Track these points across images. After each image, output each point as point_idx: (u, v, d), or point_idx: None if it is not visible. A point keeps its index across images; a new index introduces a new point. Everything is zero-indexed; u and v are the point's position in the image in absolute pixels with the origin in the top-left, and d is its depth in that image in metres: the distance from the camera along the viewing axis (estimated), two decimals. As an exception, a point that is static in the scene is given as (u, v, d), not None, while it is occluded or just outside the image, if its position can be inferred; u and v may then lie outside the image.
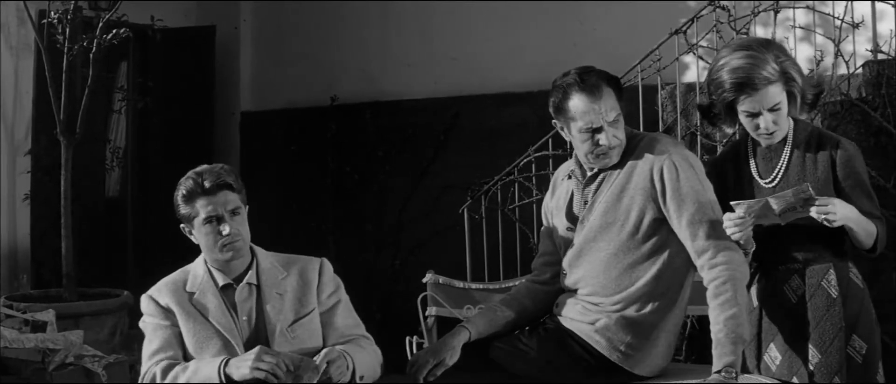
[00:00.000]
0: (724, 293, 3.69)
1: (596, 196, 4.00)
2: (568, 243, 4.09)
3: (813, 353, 3.60)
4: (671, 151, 3.90)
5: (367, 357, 3.87)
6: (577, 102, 3.88)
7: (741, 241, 3.67)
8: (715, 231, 3.76)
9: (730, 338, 3.61)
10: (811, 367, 3.59)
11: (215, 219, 3.80)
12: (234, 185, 3.85)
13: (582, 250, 4.02)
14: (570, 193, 4.12)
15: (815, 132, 3.79)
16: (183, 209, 3.84)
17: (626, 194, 3.92)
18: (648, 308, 3.90)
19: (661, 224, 3.89)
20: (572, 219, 4.08)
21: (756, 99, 3.63)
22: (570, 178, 4.14)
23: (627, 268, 3.92)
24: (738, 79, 3.61)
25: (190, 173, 3.86)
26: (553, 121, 4.03)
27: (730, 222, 3.63)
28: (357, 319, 4.01)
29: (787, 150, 3.73)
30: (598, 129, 3.87)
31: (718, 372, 3.56)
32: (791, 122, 3.76)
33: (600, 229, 3.96)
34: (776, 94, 3.63)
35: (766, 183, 3.74)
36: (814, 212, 3.50)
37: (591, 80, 3.88)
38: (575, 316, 4.00)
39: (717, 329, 3.66)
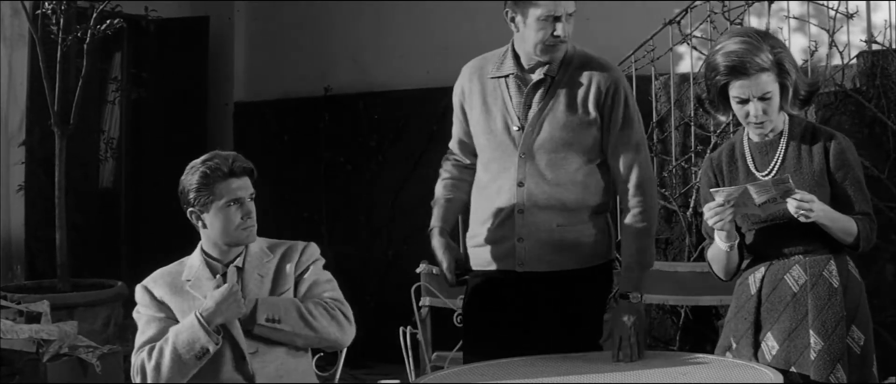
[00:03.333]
0: (640, 223, 4.13)
1: (545, 103, 4.14)
2: (505, 146, 4.20)
3: (816, 340, 3.61)
4: (620, 80, 4.17)
5: (296, 311, 3.80)
6: None
7: (724, 231, 3.70)
8: (640, 164, 4.15)
9: (639, 265, 4.13)
10: (813, 354, 3.61)
11: (237, 203, 3.82)
12: (254, 173, 3.91)
13: (536, 159, 4.16)
14: (502, 95, 4.22)
15: (810, 126, 3.81)
16: (198, 193, 3.81)
17: (586, 111, 4.12)
18: (600, 210, 4.23)
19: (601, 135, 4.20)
20: (510, 121, 4.18)
21: (747, 84, 3.65)
22: (501, 78, 4.23)
23: (584, 181, 4.18)
24: (731, 62, 3.65)
25: (208, 157, 3.86)
26: (505, 10, 4.14)
27: (710, 211, 3.65)
28: (332, 288, 3.97)
29: (782, 144, 3.75)
30: (558, 18, 4.04)
31: (625, 297, 4.07)
32: (786, 116, 3.77)
33: (561, 140, 4.13)
34: (767, 82, 3.65)
35: (762, 176, 3.75)
36: (792, 205, 3.52)
37: None
38: (550, 266, 4.19)
39: (628, 255, 4.14)
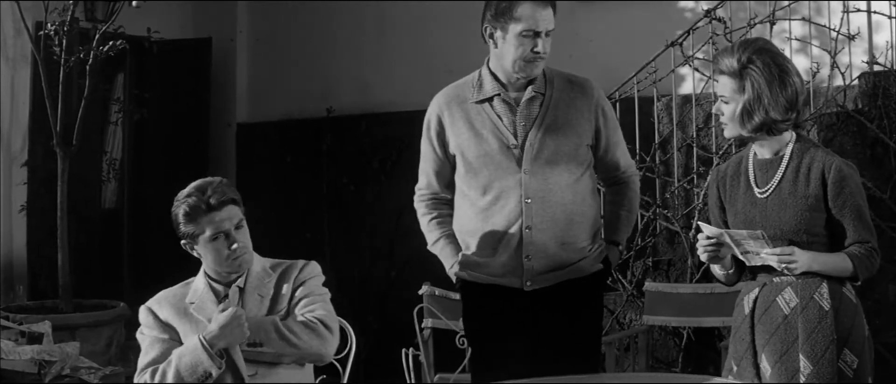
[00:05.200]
0: (636, 197, 4.47)
1: (542, 120, 4.20)
2: (504, 165, 4.21)
3: (805, 364, 3.60)
4: (600, 91, 4.35)
5: (275, 332, 3.79)
6: (525, 8, 4.11)
7: (713, 264, 3.75)
8: (628, 157, 4.49)
9: (629, 223, 4.45)
10: (803, 378, 3.59)
11: (223, 235, 3.81)
12: (237, 199, 3.88)
13: (541, 174, 4.19)
14: (489, 116, 4.24)
15: (815, 149, 3.78)
16: (185, 227, 3.82)
17: (582, 125, 4.23)
18: (596, 221, 4.37)
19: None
20: (506, 140, 4.21)
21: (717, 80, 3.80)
22: (484, 102, 4.25)
23: (583, 191, 4.28)
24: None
25: (190, 191, 3.84)
26: (484, 26, 4.20)
27: (699, 245, 3.72)
28: (322, 301, 3.94)
29: (783, 163, 3.74)
30: (538, 34, 4.11)
31: (617, 244, 4.42)
32: (793, 135, 3.76)
33: (563, 154, 4.20)
34: (723, 85, 3.74)
35: (760, 191, 3.75)
36: (774, 261, 3.56)
37: None
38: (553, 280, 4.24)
39: (625, 218, 4.42)
